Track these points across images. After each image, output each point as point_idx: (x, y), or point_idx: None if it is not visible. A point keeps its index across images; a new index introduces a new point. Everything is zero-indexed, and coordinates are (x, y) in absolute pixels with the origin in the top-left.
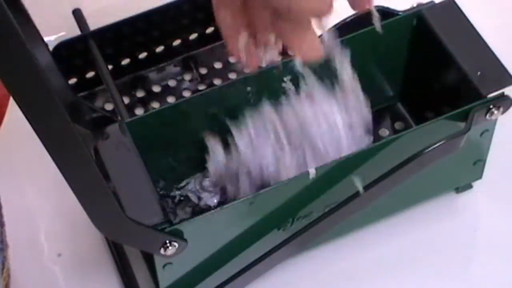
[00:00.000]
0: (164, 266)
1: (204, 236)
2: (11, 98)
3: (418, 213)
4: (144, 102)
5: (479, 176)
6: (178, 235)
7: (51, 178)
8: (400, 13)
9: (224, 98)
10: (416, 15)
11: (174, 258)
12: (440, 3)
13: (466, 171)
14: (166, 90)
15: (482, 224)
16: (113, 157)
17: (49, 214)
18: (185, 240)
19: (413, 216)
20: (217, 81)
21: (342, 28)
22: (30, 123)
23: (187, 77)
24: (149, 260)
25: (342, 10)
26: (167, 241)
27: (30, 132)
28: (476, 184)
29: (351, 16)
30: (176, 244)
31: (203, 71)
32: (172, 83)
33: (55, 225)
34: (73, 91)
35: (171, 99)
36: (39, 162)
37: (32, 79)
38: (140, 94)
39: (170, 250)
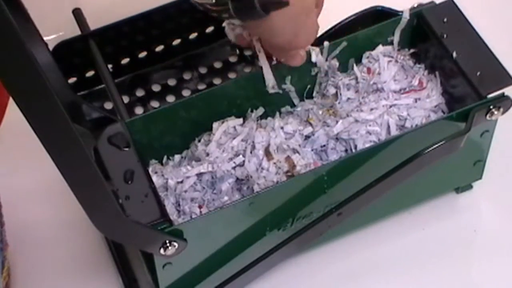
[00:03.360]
0: (164, 266)
1: (204, 236)
2: (11, 98)
3: (418, 213)
4: (144, 102)
5: (479, 176)
6: (178, 235)
7: (50, 178)
8: (400, 13)
9: (223, 97)
10: (416, 15)
11: (174, 258)
12: (440, 3)
13: (466, 171)
14: (166, 90)
15: (482, 224)
16: (113, 157)
17: (49, 214)
18: (185, 240)
19: (413, 216)
20: (216, 81)
21: (342, 28)
22: (30, 123)
23: (187, 76)
24: (149, 260)
25: (342, 11)
26: (167, 241)
27: (30, 132)
28: (476, 184)
29: (350, 16)
30: (176, 244)
31: (203, 70)
32: (172, 82)
33: (55, 225)
34: (73, 91)
35: (170, 99)
36: (39, 162)
37: (31, 79)
38: (140, 93)
39: (170, 250)
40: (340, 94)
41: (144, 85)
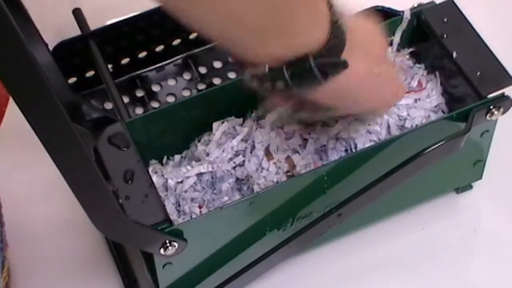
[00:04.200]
0: (164, 266)
1: (204, 236)
2: (11, 98)
3: (418, 213)
4: (144, 102)
5: (479, 176)
6: (178, 235)
7: (50, 178)
8: (400, 13)
9: (223, 97)
10: (416, 15)
11: (174, 258)
12: (440, 3)
13: (466, 172)
14: (166, 90)
15: (482, 224)
16: (113, 157)
17: (49, 214)
18: (185, 240)
19: (413, 216)
20: (216, 81)
21: None
22: (30, 123)
23: (187, 76)
24: (149, 260)
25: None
26: (167, 241)
27: (30, 132)
28: (476, 184)
29: None
30: (176, 244)
31: (203, 70)
32: (171, 82)
33: (55, 225)
34: (73, 91)
35: (170, 99)
36: (39, 161)
37: (31, 79)
38: (140, 93)
39: (170, 250)
40: None
41: (144, 85)
